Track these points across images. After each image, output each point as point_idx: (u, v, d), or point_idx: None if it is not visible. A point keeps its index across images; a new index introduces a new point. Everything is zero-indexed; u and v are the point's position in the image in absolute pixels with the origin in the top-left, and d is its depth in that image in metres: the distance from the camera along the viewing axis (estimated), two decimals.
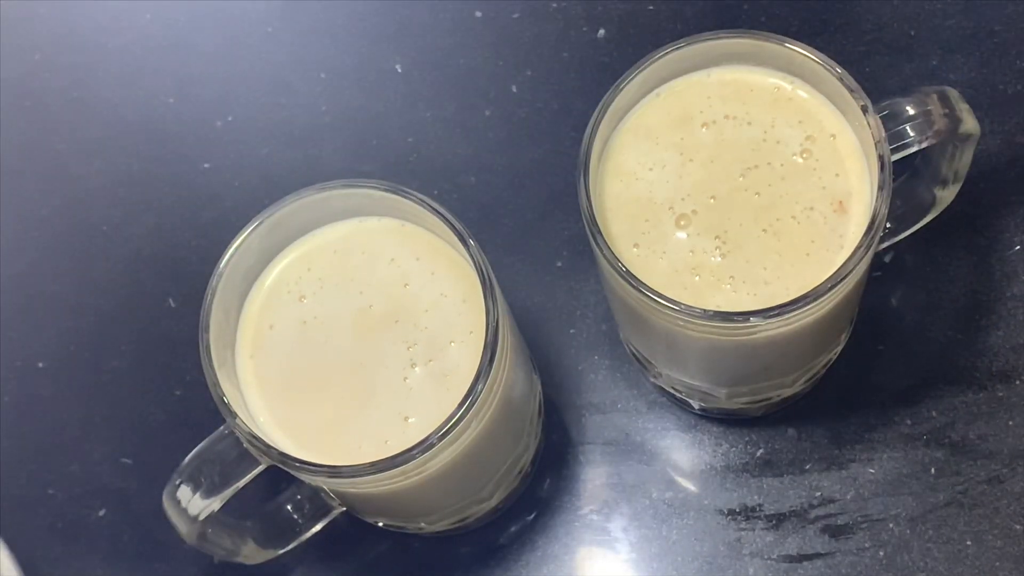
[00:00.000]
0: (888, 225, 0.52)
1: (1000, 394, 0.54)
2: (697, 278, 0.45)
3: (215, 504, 0.46)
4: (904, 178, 0.52)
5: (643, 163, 0.47)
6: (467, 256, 0.45)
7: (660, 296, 0.43)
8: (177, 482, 0.46)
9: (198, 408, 0.56)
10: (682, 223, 0.46)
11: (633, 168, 0.47)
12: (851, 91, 0.45)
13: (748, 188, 0.46)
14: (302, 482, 0.50)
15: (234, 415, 0.44)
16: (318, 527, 0.53)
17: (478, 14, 0.64)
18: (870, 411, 0.55)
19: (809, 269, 0.45)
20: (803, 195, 0.46)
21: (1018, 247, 0.57)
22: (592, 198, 0.45)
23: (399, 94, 0.63)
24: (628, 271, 0.44)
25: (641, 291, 0.44)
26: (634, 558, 0.54)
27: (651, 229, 0.46)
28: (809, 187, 0.46)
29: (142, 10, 0.66)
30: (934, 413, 0.55)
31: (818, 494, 0.54)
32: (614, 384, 0.57)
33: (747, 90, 0.48)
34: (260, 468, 0.45)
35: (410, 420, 0.46)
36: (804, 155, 0.47)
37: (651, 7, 0.63)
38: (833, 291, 0.43)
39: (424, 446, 0.43)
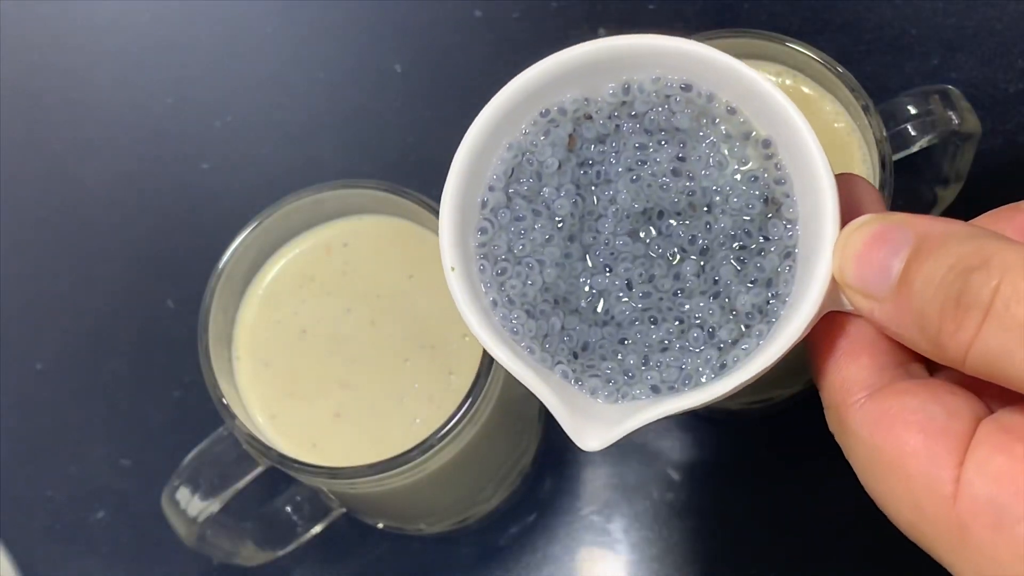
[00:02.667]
0: None
1: None
2: None
3: (214, 506, 0.46)
4: (906, 177, 0.52)
5: None
6: None
7: None
8: (176, 484, 0.46)
9: (197, 409, 0.56)
10: None
11: None
12: (852, 90, 0.45)
13: None
14: (301, 483, 0.49)
15: (233, 416, 0.44)
16: (317, 529, 0.53)
17: (478, 14, 0.64)
18: None
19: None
20: None
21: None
22: None
23: (399, 94, 0.63)
24: None
25: None
26: (635, 559, 0.54)
27: None
28: None
29: (141, 10, 0.66)
30: None
31: (819, 494, 0.54)
32: None
33: None
34: (259, 469, 0.45)
35: (409, 421, 0.45)
36: None
37: (651, 6, 0.63)
38: None
39: (424, 446, 0.43)
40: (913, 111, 0.47)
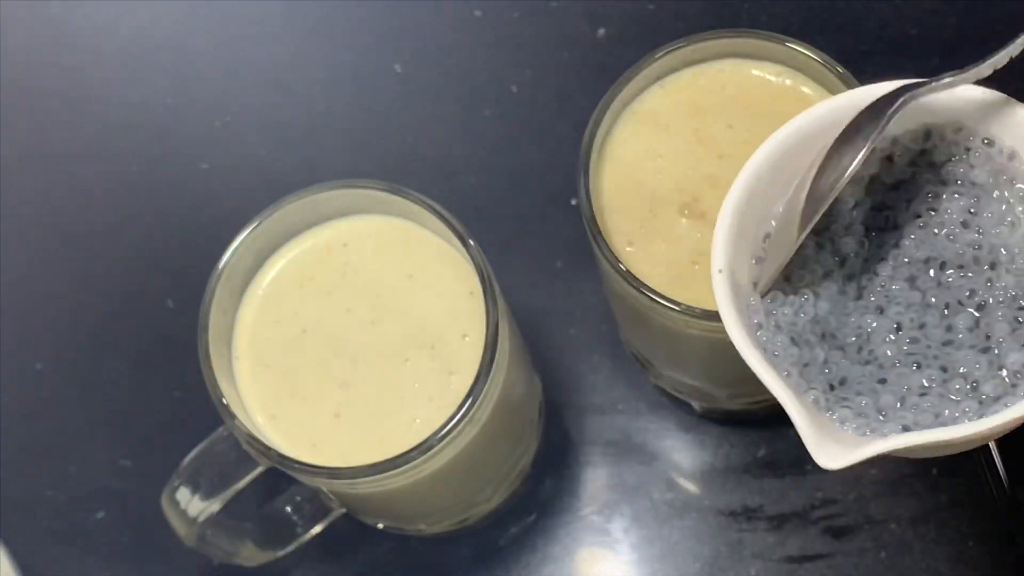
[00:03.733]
0: None
1: None
2: (697, 267, 0.45)
3: (214, 506, 0.45)
4: None
5: (643, 153, 0.47)
6: (467, 256, 0.45)
7: (660, 296, 0.43)
8: (176, 484, 0.46)
9: (197, 409, 0.55)
10: (685, 212, 0.46)
11: (633, 159, 0.47)
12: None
13: None
14: (301, 483, 0.49)
15: (233, 416, 0.44)
16: (317, 529, 0.53)
17: (478, 14, 0.64)
18: None
19: None
20: None
21: None
22: (592, 197, 0.45)
23: (399, 94, 0.63)
24: (628, 271, 0.44)
25: (641, 291, 0.43)
26: (635, 559, 0.54)
27: (652, 219, 0.46)
28: None
29: (142, 10, 0.66)
30: None
31: (819, 495, 0.54)
32: (614, 385, 0.57)
33: (750, 82, 0.48)
34: (259, 470, 0.45)
35: (409, 421, 0.45)
36: None
37: (651, 7, 0.63)
38: None
39: (424, 447, 0.43)
40: None
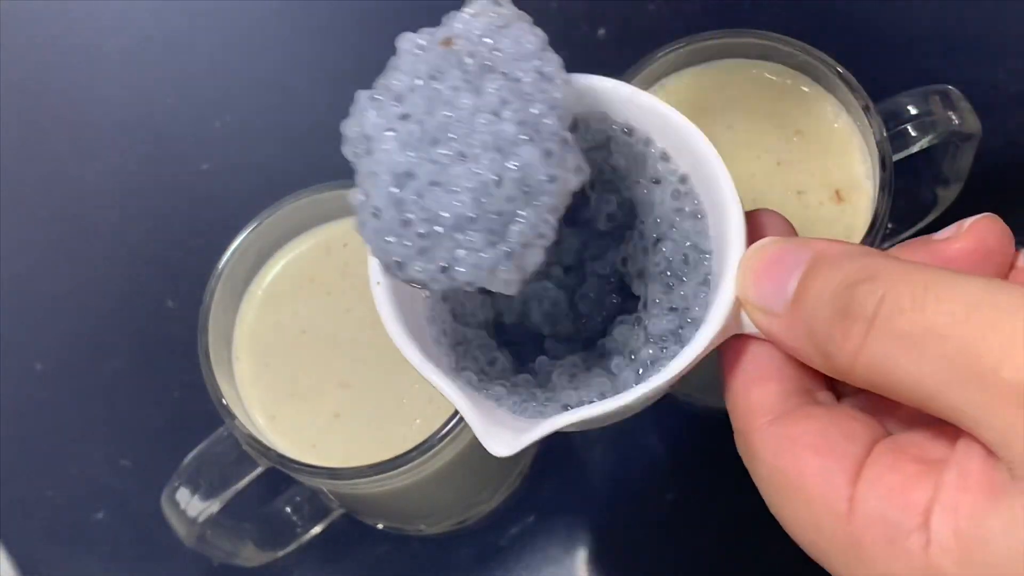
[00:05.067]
0: (889, 225, 0.52)
1: None
2: None
3: (214, 506, 0.46)
4: (906, 178, 0.52)
5: None
6: None
7: None
8: (176, 484, 0.46)
9: (197, 410, 0.56)
10: None
11: None
12: (852, 90, 0.45)
13: (752, 178, 0.46)
14: (301, 484, 0.49)
15: (233, 417, 0.44)
16: (317, 529, 0.53)
17: None
18: None
19: None
20: (805, 189, 0.46)
21: (1019, 247, 0.57)
22: None
23: None
24: None
25: None
26: (635, 559, 0.54)
27: None
28: (811, 183, 0.46)
29: (142, 10, 0.66)
30: None
31: None
32: None
33: (750, 82, 0.48)
34: (259, 470, 0.45)
35: (409, 421, 0.45)
36: (806, 151, 0.47)
37: (651, 7, 0.63)
38: None
39: (424, 447, 0.43)
40: (913, 111, 0.47)
